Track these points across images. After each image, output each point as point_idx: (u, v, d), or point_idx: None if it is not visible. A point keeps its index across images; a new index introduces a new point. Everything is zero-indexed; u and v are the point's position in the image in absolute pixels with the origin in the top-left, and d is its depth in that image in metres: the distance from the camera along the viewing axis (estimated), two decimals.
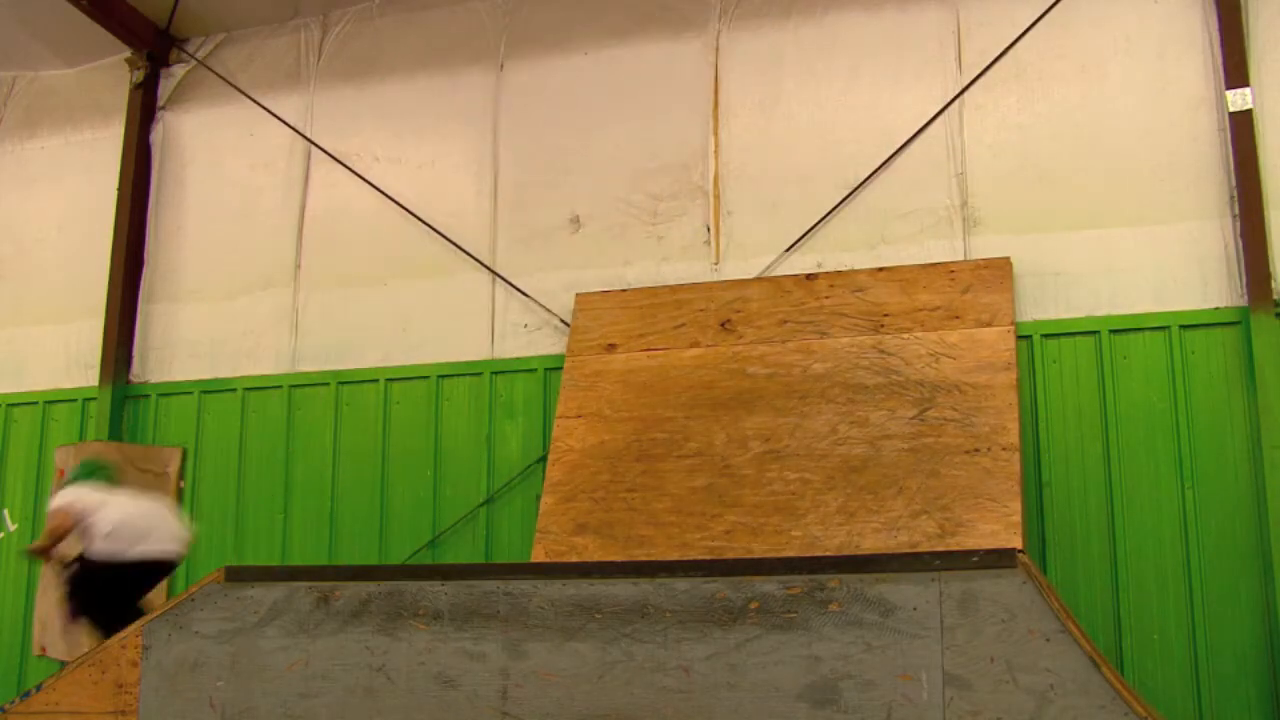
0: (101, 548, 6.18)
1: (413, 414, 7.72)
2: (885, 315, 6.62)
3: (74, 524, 6.26)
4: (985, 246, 6.75)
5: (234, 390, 8.20)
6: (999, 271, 6.55)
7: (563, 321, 7.44)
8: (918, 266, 6.72)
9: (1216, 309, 6.32)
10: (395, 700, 4.78)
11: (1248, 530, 6.03)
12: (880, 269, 6.81)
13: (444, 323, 7.79)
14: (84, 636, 6.52)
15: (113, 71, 9.06)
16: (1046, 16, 6.90)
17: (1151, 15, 6.76)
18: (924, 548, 5.69)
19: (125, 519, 6.28)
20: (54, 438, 8.60)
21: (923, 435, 6.14)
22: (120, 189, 8.71)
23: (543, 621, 4.66)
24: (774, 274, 7.09)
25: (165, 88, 8.92)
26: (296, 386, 8.06)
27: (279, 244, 8.34)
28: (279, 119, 8.50)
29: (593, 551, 6.31)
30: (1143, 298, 6.45)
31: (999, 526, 5.71)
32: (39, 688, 5.33)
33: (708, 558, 5.93)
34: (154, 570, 6.40)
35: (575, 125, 7.80)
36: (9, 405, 8.82)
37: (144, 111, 8.83)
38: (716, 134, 7.47)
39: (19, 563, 8.44)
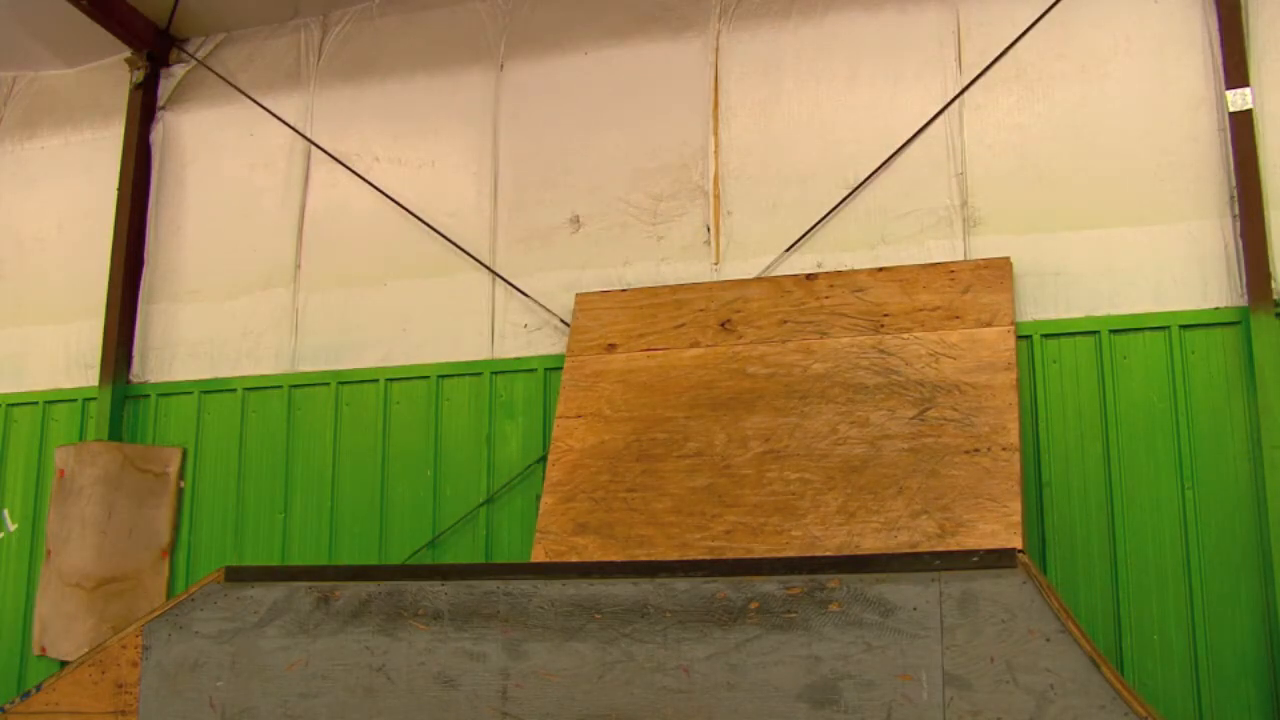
0: None
1: (413, 414, 7.72)
2: (885, 315, 6.63)
3: None
4: (985, 246, 6.75)
5: (234, 390, 8.21)
6: (999, 271, 6.56)
7: (563, 321, 7.44)
8: (918, 266, 6.73)
9: (1216, 309, 6.32)
10: (395, 700, 4.79)
11: (1248, 530, 6.03)
12: (880, 269, 6.81)
13: (444, 323, 7.79)
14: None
15: (113, 71, 9.06)
16: (1046, 16, 6.90)
17: (1151, 15, 6.76)
18: (924, 548, 5.69)
19: None
20: (54, 438, 8.60)
21: (923, 435, 6.14)
22: (120, 189, 8.71)
23: (543, 621, 4.66)
24: (774, 274, 7.10)
25: (165, 88, 8.93)
26: (296, 386, 8.06)
27: (279, 244, 8.34)
28: (279, 119, 8.50)
29: (593, 551, 6.31)
30: (1143, 298, 6.45)
31: (999, 526, 5.71)
32: (39, 688, 5.33)
33: (708, 558, 5.93)
34: None
35: (575, 125, 7.80)
36: (9, 405, 8.82)
37: (144, 111, 8.83)
38: (716, 134, 7.47)
39: (19, 563, 8.45)
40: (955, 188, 6.91)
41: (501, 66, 8.08)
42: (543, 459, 7.13)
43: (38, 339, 8.87)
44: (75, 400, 8.62)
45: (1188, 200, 6.48)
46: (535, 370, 7.47)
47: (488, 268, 7.75)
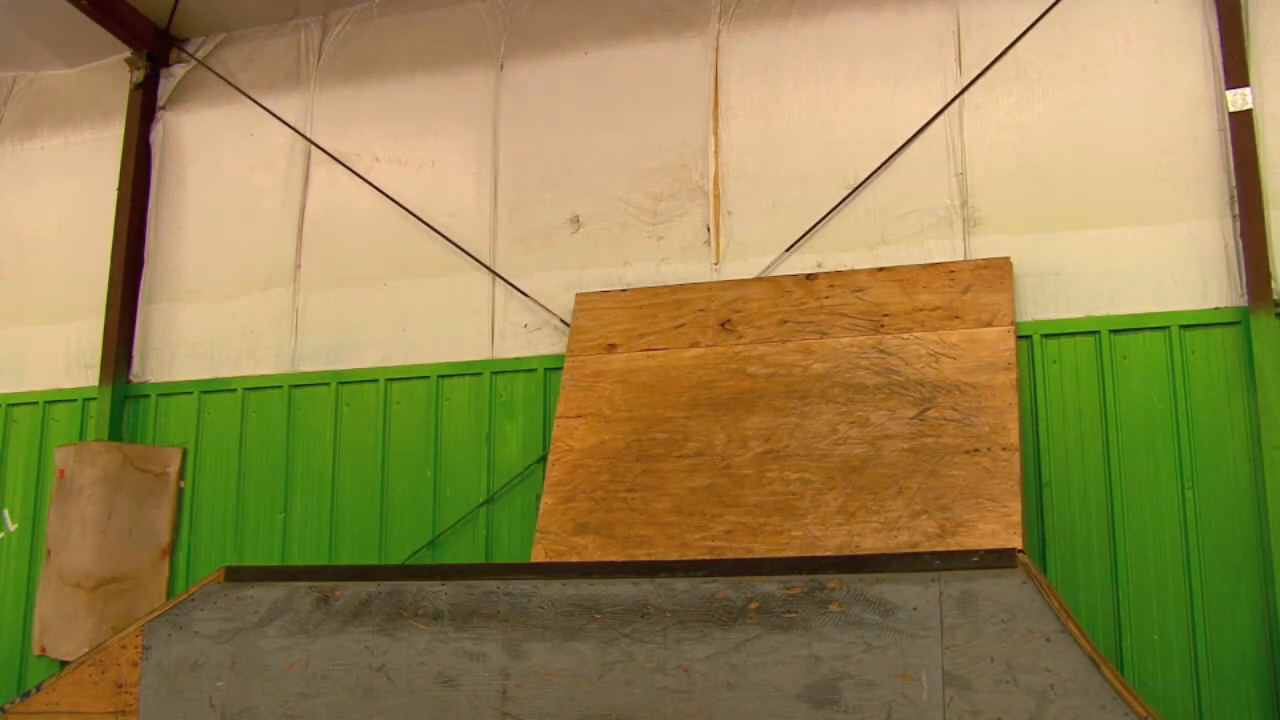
0: None
1: (413, 414, 7.72)
2: (885, 315, 6.63)
3: None
4: (985, 246, 6.75)
5: (234, 390, 8.21)
6: (999, 271, 6.55)
7: (563, 321, 7.44)
8: (918, 266, 6.72)
9: (1216, 309, 6.32)
10: (395, 700, 4.79)
11: (1248, 530, 6.03)
12: (880, 269, 6.81)
13: (444, 323, 7.79)
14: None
15: (113, 71, 9.06)
16: (1046, 16, 6.90)
17: (1151, 15, 6.76)
18: (924, 548, 5.69)
19: None
20: (54, 438, 8.59)
21: (923, 435, 6.14)
22: (120, 189, 8.71)
23: (543, 621, 4.66)
24: (774, 274, 7.09)
25: (165, 88, 8.93)
26: (296, 386, 8.06)
27: (279, 244, 8.34)
28: (279, 119, 8.50)
29: (593, 551, 6.31)
30: (1143, 298, 6.45)
31: (999, 526, 5.71)
32: (39, 688, 5.33)
33: (708, 558, 5.93)
34: None
35: (575, 125, 7.80)
36: (9, 405, 8.82)
37: (144, 111, 8.83)
38: (716, 134, 7.47)
39: (19, 563, 8.45)
40: (955, 188, 6.91)
41: (501, 66, 8.08)
42: (543, 459, 7.13)
43: (38, 339, 8.87)
44: (75, 400, 8.62)
45: (1188, 200, 6.48)
46: (535, 370, 7.47)
47: (488, 268, 7.75)
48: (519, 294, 7.63)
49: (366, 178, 8.18)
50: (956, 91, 7.02)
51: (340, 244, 8.20)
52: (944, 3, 7.16)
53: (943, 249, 6.81)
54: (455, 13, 8.26)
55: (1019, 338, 6.47)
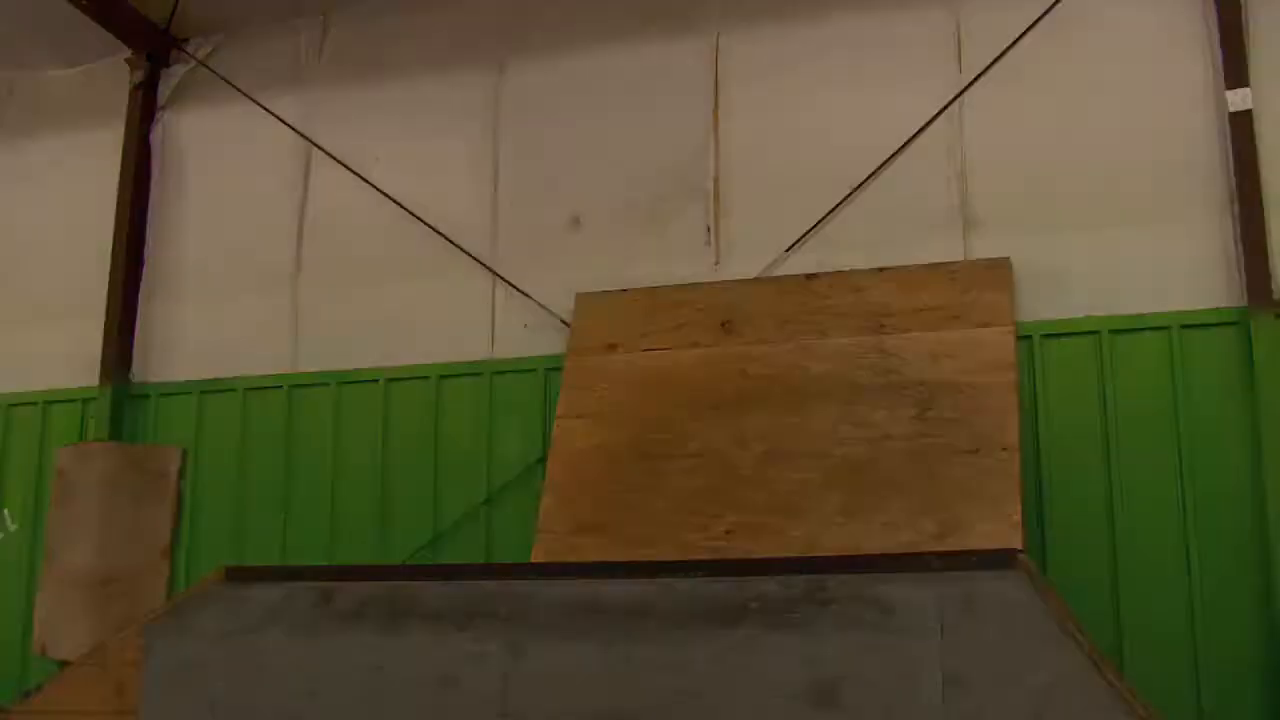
0: None
1: (413, 414, 7.72)
2: (885, 315, 6.62)
3: None
4: (985, 246, 6.75)
5: (234, 390, 8.20)
6: (999, 271, 6.55)
7: (563, 321, 7.44)
8: (918, 266, 6.72)
9: (1216, 309, 6.32)
10: (395, 700, 4.79)
11: (1248, 530, 6.02)
12: (880, 269, 6.81)
13: (444, 323, 7.79)
14: None
15: (113, 71, 9.06)
16: (1046, 16, 6.90)
17: (1151, 15, 6.76)
18: (924, 548, 5.68)
19: None
20: (54, 438, 8.59)
21: (923, 435, 6.14)
22: (120, 189, 8.71)
23: (543, 621, 4.66)
24: (774, 274, 7.09)
25: (165, 88, 8.92)
26: (296, 386, 8.06)
27: (279, 244, 8.34)
28: (279, 119, 8.50)
29: (593, 551, 6.30)
30: (1143, 298, 6.45)
31: (999, 526, 5.70)
32: (39, 688, 5.33)
33: (708, 558, 5.93)
34: None
35: (575, 125, 7.80)
36: (9, 405, 8.82)
37: (144, 111, 8.82)
38: (716, 134, 7.47)
39: (19, 563, 8.45)
40: (955, 188, 6.91)
41: (501, 66, 8.08)
42: (543, 459, 7.13)
43: (38, 339, 8.87)
44: (75, 400, 8.61)
45: (1188, 200, 6.48)
46: (535, 370, 7.47)
47: (488, 268, 7.75)
48: (519, 294, 7.63)
49: (366, 178, 8.18)
50: (956, 91, 7.02)
51: (340, 244, 8.19)
52: (944, 3, 7.15)
53: (943, 249, 6.81)
54: (455, 13, 8.26)
55: (1019, 338, 6.46)
